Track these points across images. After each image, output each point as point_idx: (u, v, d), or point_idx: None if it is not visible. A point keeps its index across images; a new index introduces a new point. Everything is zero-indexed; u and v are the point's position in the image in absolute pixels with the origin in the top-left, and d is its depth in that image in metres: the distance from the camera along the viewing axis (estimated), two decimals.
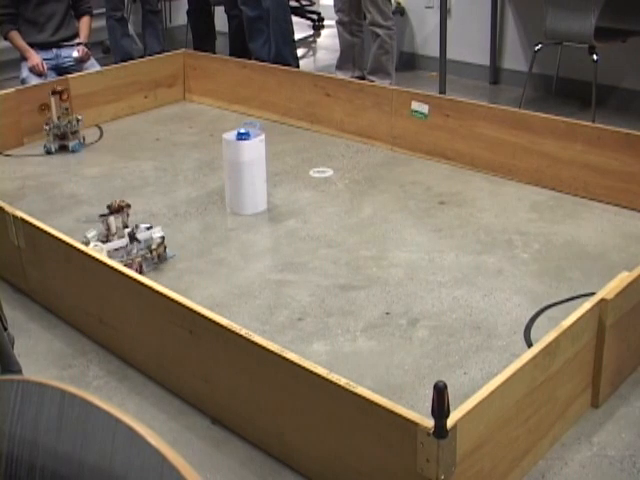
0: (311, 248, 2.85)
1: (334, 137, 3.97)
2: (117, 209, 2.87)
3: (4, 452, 0.94)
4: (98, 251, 2.51)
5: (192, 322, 1.95)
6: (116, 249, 2.68)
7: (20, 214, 2.49)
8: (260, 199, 3.16)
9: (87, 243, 2.63)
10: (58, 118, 3.86)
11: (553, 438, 1.86)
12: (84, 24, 4.62)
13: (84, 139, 3.96)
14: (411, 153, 3.70)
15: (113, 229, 2.81)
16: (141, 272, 2.63)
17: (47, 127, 3.86)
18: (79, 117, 3.90)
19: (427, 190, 3.32)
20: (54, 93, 3.86)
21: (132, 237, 2.71)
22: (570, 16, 3.83)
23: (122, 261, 2.60)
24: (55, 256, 2.40)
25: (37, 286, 2.58)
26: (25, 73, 4.41)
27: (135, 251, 2.70)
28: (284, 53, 4.81)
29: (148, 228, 2.80)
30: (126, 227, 2.83)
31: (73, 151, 3.85)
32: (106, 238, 2.79)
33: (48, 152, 3.86)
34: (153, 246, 2.73)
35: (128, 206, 2.91)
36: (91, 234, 2.73)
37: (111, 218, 2.83)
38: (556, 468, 1.80)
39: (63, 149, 3.88)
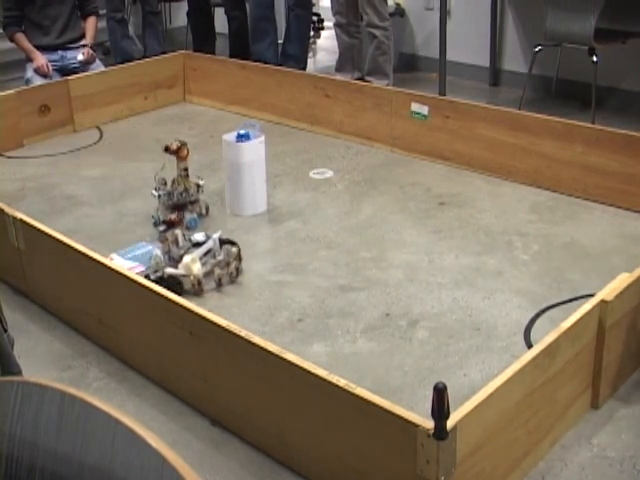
0: (311, 249, 2.85)
1: (334, 138, 3.97)
2: (176, 221, 2.77)
3: (4, 453, 0.94)
4: (194, 259, 2.50)
5: (192, 323, 1.95)
6: (205, 253, 2.64)
7: (20, 215, 2.49)
8: (260, 200, 3.16)
9: (158, 260, 2.55)
10: (173, 183, 3.05)
11: (553, 439, 1.86)
12: (90, 25, 4.61)
13: (207, 209, 3.11)
14: (411, 154, 3.70)
15: (180, 241, 2.70)
16: (220, 285, 2.58)
17: (157, 193, 3.04)
18: (200, 182, 3.08)
19: (427, 191, 3.32)
20: (168, 151, 3.03)
21: (221, 242, 2.65)
22: (570, 17, 3.84)
23: (207, 270, 2.57)
24: (55, 257, 2.40)
25: (37, 287, 2.58)
26: (30, 74, 4.41)
27: (222, 257, 2.62)
28: (298, 52, 4.85)
29: (206, 238, 2.72)
30: (190, 239, 2.74)
31: (188, 227, 2.96)
32: (169, 253, 2.67)
33: (156, 224, 3.00)
34: (230, 259, 2.63)
35: (183, 218, 2.83)
36: (155, 253, 2.61)
37: (177, 231, 2.73)
38: (556, 469, 1.80)
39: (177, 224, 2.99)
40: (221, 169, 3.33)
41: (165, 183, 3.06)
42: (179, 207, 3.02)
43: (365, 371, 2.15)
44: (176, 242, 2.70)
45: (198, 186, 3.06)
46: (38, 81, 4.32)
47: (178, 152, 3.01)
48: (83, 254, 2.26)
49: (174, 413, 2.04)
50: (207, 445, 1.93)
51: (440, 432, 1.45)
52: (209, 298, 2.54)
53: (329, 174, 3.54)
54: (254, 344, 1.79)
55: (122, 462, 0.85)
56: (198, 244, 2.71)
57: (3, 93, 3.95)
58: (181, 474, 0.82)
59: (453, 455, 1.50)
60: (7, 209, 2.53)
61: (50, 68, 4.39)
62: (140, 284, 2.09)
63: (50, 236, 2.37)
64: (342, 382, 1.63)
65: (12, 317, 2.42)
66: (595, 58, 3.87)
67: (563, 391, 1.84)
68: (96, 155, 3.90)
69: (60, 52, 4.51)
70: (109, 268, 2.19)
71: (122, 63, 4.77)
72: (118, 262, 2.70)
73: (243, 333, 1.82)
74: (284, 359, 1.73)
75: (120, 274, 2.15)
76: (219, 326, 1.87)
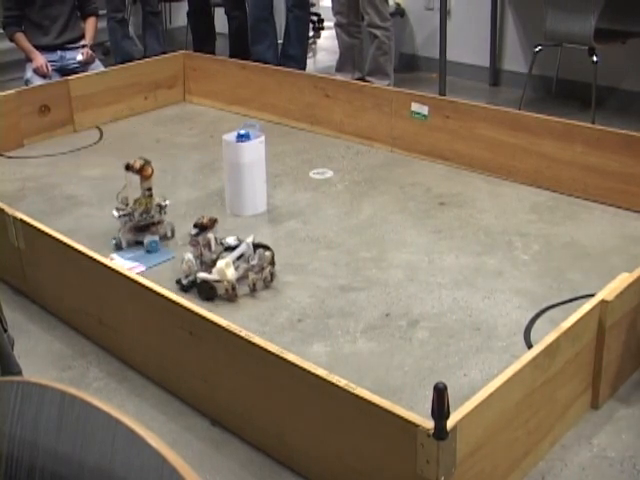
0: (311, 249, 2.85)
1: (334, 138, 3.97)
2: (208, 224, 2.62)
3: (4, 453, 0.94)
4: (228, 264, 2.46)
5: (192, 323, 1.95)
6: (238, 257, 2.58)
7: (20, 215, 2.49)
8: (260, 200, 3.16)
9: (190, 264, 2.53)
10: (134, 204, 2.84)
11: (553, 439, 1.86)
12: (90, 25, 4.61)
13: (172, 232, 2.94)
14: (411, 154, 3.70)
15: (213, 246, 2.61)
16: (254, 290, 2.53)
17: (118, 213, 2.85)
18: (163, 202, 2.90)
19: (427, 191, 3.32)
20: (130, 169, 2.85)
21: (255, 246, 2.60)
22: (570, 17, 3.84)
23: (240, 274, 2.52)
24: (55, 257, 2.40)
25: (37, 287, 2.58)
26: (29, 74, 4.41)
27: (255, 261, 2.55)
28: (298, 52, 4.86)
29: (238, 242, 2.66)
30: (221, 243, 2.67)
31: (149, 251, 2.81)
32: (200, 257, 2.59)
33: (118, 247, 2.85)
34: (264, 264, 2.57)
35: (216, 221, 2.67)
36: (187, 257, 2.56)
37: (209, 234, 2.61)
38: (556, 469, 1.80)
39: (138, 244, 2.86)
40: (221, 169, 3.33)
41: (127, 203, 2.87)
42: (141, 229, 2.85)
43: (365, 371, 2.15)
44: (208, 246, 2.61)
45: (160, 207, 2.87)
46: (37, 81, 4.31)
47: (141, 171, 2.83)
48: (83, 254, 2.26)
49: (174, 413, 2.04)
50: (207, 445, 1.93)
51: (440, 432, 1.45)
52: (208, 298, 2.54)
53: (329, 174, 3.54)
54: (254, 344, 1.79)
55: (122, 462, 0.85)
56: (230, 248, 2.65)
57: (3, 93, 3.95)
58: (181, 474, 0.82)
59: (453, 455, 1.50)
60: (7, 209, 2.53)
61: (49, 68, 4.39)
62: (140, 284, 2.09)
63: (50, 236, 2.37)
64: (342, 382, 1.63)
65: (12, 317, 2.42)
66: (595, 58, 3.87)
67: (563, 391, 1.84)
68: (96, 155, 3.90)
69: (59, 52, 4.50)
70: (109, 268, 2.19)
71: (122, 63, 4.77)
72: (118, 262, 2.70)
73: (243, 333, 1.82)
74: (284, 359, 1.73)
75: (120, 274, 2.15)
76: (219, 326, 1.87)
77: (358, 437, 1.64)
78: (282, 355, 1.74)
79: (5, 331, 1.69)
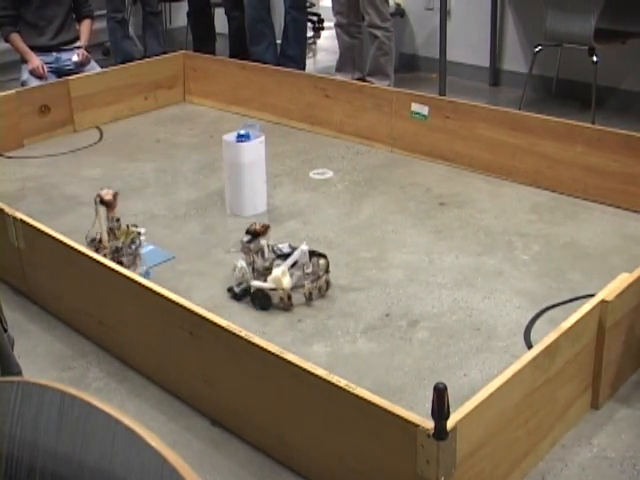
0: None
1: (334, 138, 3.97)
2: (261, 231, 2.55)
3: (4, 453, 0.94)
4: (284, 272, 2.41)
5: (192, 323, 1.95)
6: (292, 265, 2.49)
7: (20, 215, 2.49)
8: (260, 200, 3.16)
9: (243, 272, 2.47)
10: (110, 239, 2.65)
11: (553, 439, 1.86)
12: (85, 27, 4.61)
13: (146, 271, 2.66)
14: (411, 154, 3.70)
15: (267, 253, 2.54)
16: (310, 299, 2.48)
17: (100, 254, 2.47)
18: (142, 230, 2.69)
19: (427, 191, 3.32)
20: (102, 203, 2.66)
21: (312, 254, 2.53)
22: (570, 18, 3.84)
23: (294, 282, 2.46)
24: (55, 257, 2.40)
25: (37, 287, 2.58)
26: (25, 76, 4.40)
27: (310, 269, 2.49)
28: (296, 53, 4.86)
29: (291, 249, 2.57)
30: (274, 250, 2.59)
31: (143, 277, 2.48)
32: (252, 264, 2.52)
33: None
34: (320, 272, 2.51)
35: (269, 227, 2.60)
36: (240, 264, 2.50)
37: (262, 241, 2.54)
38: (556, 469, 1.80)
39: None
40: (221, 169, 3.33)
41: (99, 240, 2.63)
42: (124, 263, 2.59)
43: (365, 371, 2.15)
44: (261, 253, 2.53)
45: (139, 233, 2.67)
46: (34, 83, 4.31)
47: (108, 203, 2.62)
48: (83, 254, 2.26)
49: (174, 413, 2.04)
50: (207, 445, 1.93)
51: (440, 432, 1.45)
52: (208, 298, 2.54)
53: (329, 174, 3.54)
54: (254, 344, 1.79)
55: (122, 462, 0.85)
56: (283, 255, 2.57)
57: (3, 93, 3.95)
58: (181, 474, 0.82)
59: (453, 455, 1.50)
60: (7, 209, 2.53)
61: (45, 70, 4.38)
62: (140, 284, 2.09)
63: (50, 236, 2.37)
64: (342, 382, 1.63)
65: (12, 317, 2.42)
66: (595, 58, 3.87)
67: (563, 391, 1.84)
68: (96, 155, 3.90)
69: (55, 54, 4.49)
70: (109, 268, 2.19)
71: (122, 63, 4.77)
72: None
73: (243, 333, 1.82)
74: (284, 359, 1.73)
75: (120, 274, 2.15)
76: (219, 326, 1.87)
77: (358, 437, 1.64)
78: (282, 355, 1.74)
79: (5, 331, 1.69)
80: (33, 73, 4.37)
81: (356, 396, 1.59)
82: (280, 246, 2.61)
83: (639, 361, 2.13)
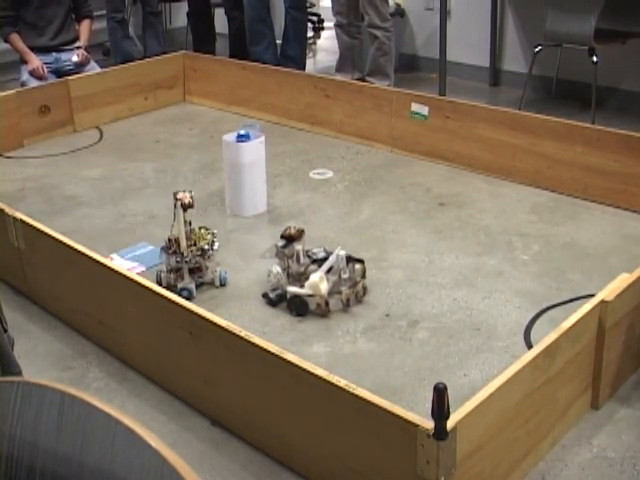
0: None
1: (334, 139, 3.97)
2: (296, 236, 2.50)
3: (4, 453, 0.94)
4: (322, 278, 2.37)
5: (192, 323, 1.95)
6: (327, 270, 2.44)
7: (20, 215, 2.49)
8: (260, 201, 3.16)
9: (279, 277, 2.44)
10: (189, 245, 2.57)
11: (553, 440, 1.86)
12: (84, 27, 4.61)
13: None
14: (411, 154, 3.70)
15: (302, 258, 2.49)
16: (347, 305, 2.44)
17: (178, 260, 2.55)
18: (214, 231, 2.67)
19: (427, 191, 3.32)
20: (179, 204, 2.57)
21: (350, 260, 2.47)
22: (570, 18, 3.84)
23: (335, 290, 2.41)
24: (55, 257, 2.40)
25: (37, 287, 2.58)
26: (25, 76, 4.40)
27: (347, 275, 2.44)
28: (297, 53, 4.86)
29: (327, 254, 2.51)
30: (308, 255, 2.52)
31: (223, 284, 2.60)
32: (287, 270, 2.48)
33: (188, 298, 2.45)
34: (357, 277, 2.47)
35: (304, 232, 2.55)
36: (275, 270, 2.46)
37: (297, 246, 2.49)
38: (556, 470, 1.80)
39: (206, 285, 2.62)
40: (221, 169, 3.34)
41: (177, 243, 2.58)
42: (200, 267, 2.61)
43: (365, 371, 2.15)
44: (297, 258, 2.49)
45: (214, 235, 2.65)
46: (33, 83, 4.30)
47: (191, 204, 2.57)
48: (83, 254, 2.26)
49: (174, 413, 2.04)
50: (207, 445, 1.93)
51: (440, 432, 1.45)
52: (208, 298, 2.54)
53: (329, 174, 3.54)
54: (254, 344, 1.79)
55: (122, 462, 0.85)
56: (318, 260, 2.50)
57: (3, 93, 3.95)
58: (181, 474, 0.82)
59: (453, 455, 1.50)
60: (7, 209, 2.53)
61: (45, 70, 4.38)
62: (140, 284, 2.09)
63: (50, 236, 2.37)
64: (342, 382, 1.63)
65: (12, 317, 2.42)
66: (595, 58, 3.87)
67: (563, 391, 1.84)
68: (96, 155, 3.90)
69: (54, 54, 4.48)
70: (109, 268, 2.19)
71: (122, 63, 4.77)
72: (118, 262, 2.70)
73: (243, 333, 1.82)
74: (284, 359, 1.73)
75: (120, 274, 2.15)
76: (219, 326, 1.87)
77: (358, 437, 1.64)
78: (282, 355, 1.74)
79: (5, 331, 1.69)
80: (33, 74, 4.37)
81: (356, 396, 1.59)
82: (315, 250, 2.56)
83: (639, 361, 2.13)
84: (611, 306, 1.87)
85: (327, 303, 2.41)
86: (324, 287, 2.39)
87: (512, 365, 1.65)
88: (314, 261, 2.51)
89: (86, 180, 3.57)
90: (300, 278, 2.45)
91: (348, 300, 2.44)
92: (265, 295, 2.49)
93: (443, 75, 4.59)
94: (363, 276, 2.49)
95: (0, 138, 3.90)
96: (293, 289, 2.43)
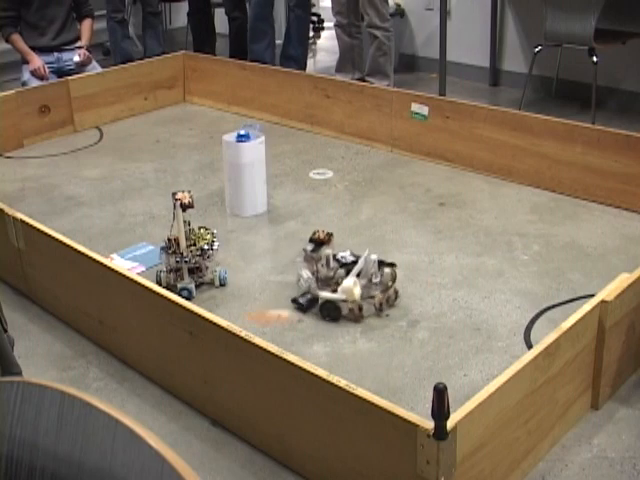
0: None
1: (334, 139, 3.97)
2: (325, 240, 2.47)
3: (4, 454, 0.94)
4: (355, 283, 2.33)
5: (192, 324, 1.95)
6: (357, 274, 2.40)
7: (20, 216, 2.49)
8: (260, 201, 3.16)
9: (310, 282, 2.39)
10: (189, 245, 2.58)
11: (553, 440, 1.86)
12: (86, 27, 4.61)
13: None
14: (411, 155, 3.70)
15: (331, 263, 2.47)
16: (380, 310, 2.40)
17: (178, 260, 2.55)
18: (214, 231, 2.68)
19: (427, 192, 3.32)
20: (179, 204, 2.55)
21: (381, 264, 2.43)
22: (570, 18, 3.84)
23: (366, 294, 2.38)
24: (55, 258, 2.40)
25: (37, 288, 2.58)
26: (26, 76, 4.40)
27: (378, 279, 2.42)
28: (298, 53, 4.86)
29: (355, 257, 2.47)
30: (337, 259, 2.49)
31: (223, 284, 2.60)
32: (317, 274, 2.45)
33: (188, 298, 2.47)
34: (389, 282, 2.44)
35: (332, 235, 2.52)
36: (306, 274, 2.42)
37: (327, 250, 2.46)
38: (556, 470, 1.80)
39: (206, 284, 2.62)
40: (221, 169, 3.34)
41: (176, 243, 2.58)
42: (200, 267, 2.60)
43: (365, 371, 2.15)
44: (327, 263, 2.46)
45: (214, 235, 2.65)
46: (34, 84, 4.30)
47: (183, 203, 2.56)
48: (83, 254, 2.26)
49: (174, 413, 2.04)
50: (207, 445, 1.93)
51: (440, 432, 1.45)
52: (208, 298, 2.54)
53: (329, 174, 3.54)
54: (254, 344, 1.79)
55: (122, 462, 0.85)
56: (347, 264, 2.47)
57: (3, 93, 3.95)
58: (181, 474, 0.82)
59: (453, 455, 1.50)
60: (7, 209, 2.53)
61: (46, 70, 4.38)
62: (140, 284, 2.09)
63: (50, 236, 2.37)
64: (342, 383, 1.63)
65: (12, 317, 2.42)
66: (595, 58, 3.88)
67: (563, 391, 1.84)
68: (96, 155, 3.90)
69: (56, 54, 4.48)
70: (109, 268, 2.19)
71: (122, 63, 4.77)
72: (118, 262, 2.70)
73: (243, 333, 1.82)
74: (284, 359, 1.73)
75: (120, 274, 2.15)
76: (219, 326, 1.87)
77: (358, 437, 1.63)
78: (282, 355, 1.74)
79: (5, 331, 1.69)
80: (34, 74, 4.37)
81: (356, 396, 1.59)
82: (342, 254, 2.52)
83: (639, 361, 2.13)
84: (611, 306, 1.87)
85: (360, 308, 2.37)
86: (357, 292, 2.35)
87: (512, 365, 1.65)
88: (342, 265, 2.47)
89: (86, 180, 3.57)
90: (330, 283, 2.43)
91: (381, 305, 2.41)
92: (295, 300, 2.44)
93: (443, 75, 4.59)
94: (394, 280, 2.46)
95: (0, 138, 3.90)
96: (326, 294, 2.39)
